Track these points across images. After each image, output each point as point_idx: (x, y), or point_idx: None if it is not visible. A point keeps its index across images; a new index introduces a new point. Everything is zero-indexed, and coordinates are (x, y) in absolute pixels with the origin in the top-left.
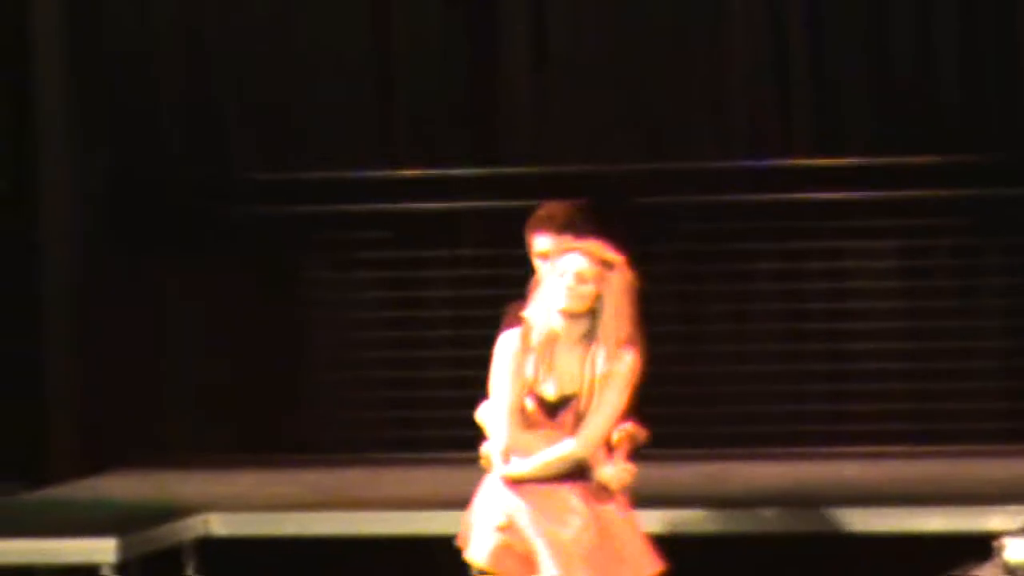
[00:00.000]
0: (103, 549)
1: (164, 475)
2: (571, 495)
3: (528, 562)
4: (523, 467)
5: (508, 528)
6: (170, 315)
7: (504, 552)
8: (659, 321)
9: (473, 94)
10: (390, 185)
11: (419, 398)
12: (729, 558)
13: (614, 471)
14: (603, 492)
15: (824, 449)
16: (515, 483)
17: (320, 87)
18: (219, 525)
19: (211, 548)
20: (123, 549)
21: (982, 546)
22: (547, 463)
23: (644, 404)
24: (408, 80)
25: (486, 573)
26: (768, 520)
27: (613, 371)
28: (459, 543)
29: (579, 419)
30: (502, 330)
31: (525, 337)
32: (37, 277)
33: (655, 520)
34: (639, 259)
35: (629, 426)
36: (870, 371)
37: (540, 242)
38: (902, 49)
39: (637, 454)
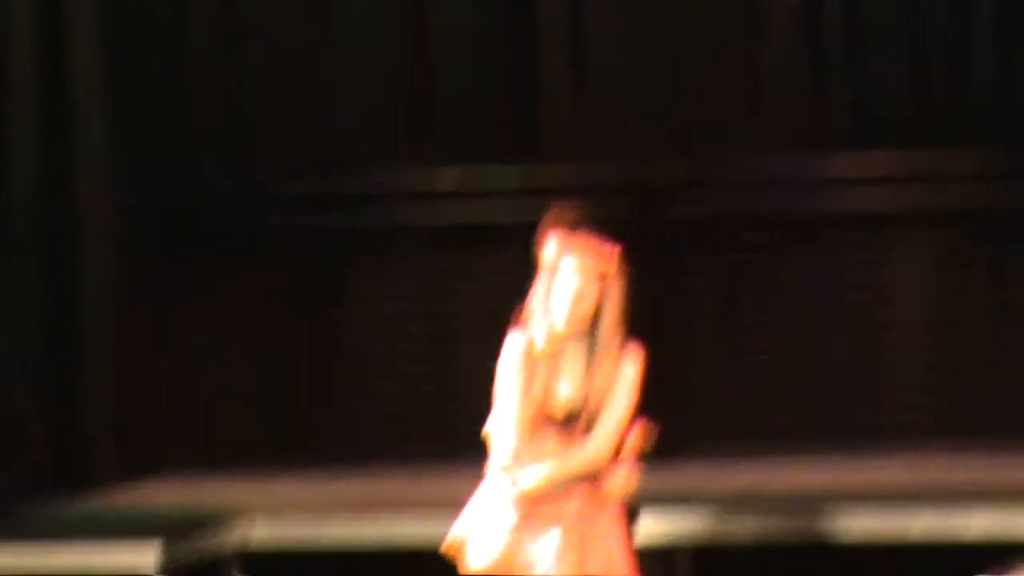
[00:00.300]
0: (145, 557)
1: (205, 481)
2: (568, 509)
3: (527, 568)
4: (535, 481)
5: (511, 540)
6: (209, 322)
7: (508, 561)
8: (695, 319)
9: (510, 98)
10: (425, 194)
11: (459, 401)
12: (772, 560)
13: (621, 479)
14: (606, 499)
15: (864, 446)
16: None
17: (354, 95)
18: (261, 530)
19: (253, 553)
20: (165, 556)
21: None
22: (559, 475)
23: (685, 406)
24: (443, 85)
25: None
26: (809, 521)
27: (618, 378)
28: (449, 551)
29: (588, 426)
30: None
31: (531, 345)
32: (73, 286)
33: (690, 521)
34: (677, 266)
35: (637, 427)
36: (908, 369)
37: (545, 252)
38: (938, 47)
39: (670, 456)
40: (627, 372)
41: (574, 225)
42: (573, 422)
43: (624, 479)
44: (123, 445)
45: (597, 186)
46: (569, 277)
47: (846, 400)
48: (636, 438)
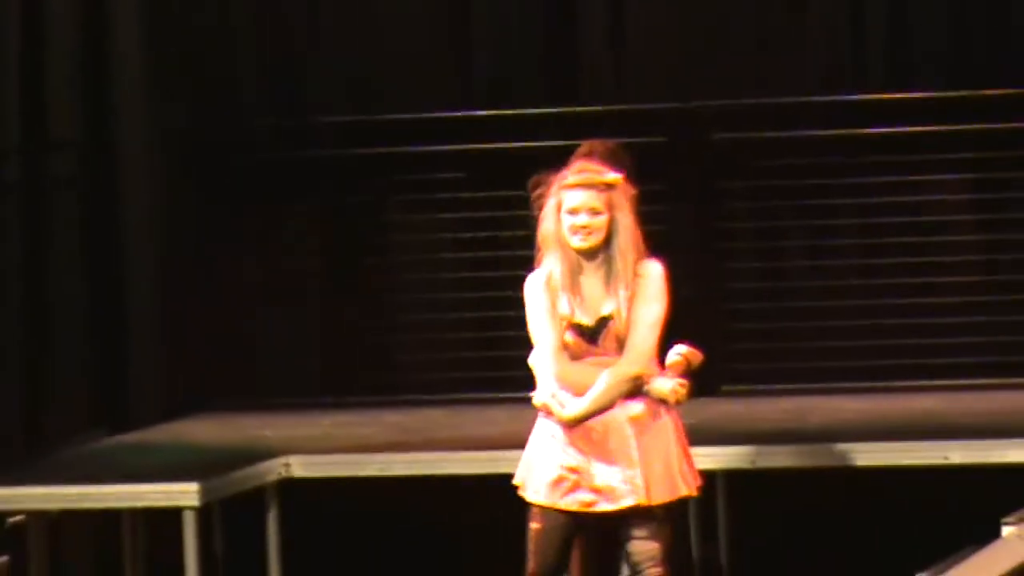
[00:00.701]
0: (185, 492)
1: (245, 418)
2: (625, 424)
3: (584, 493)
4: (583, 405)
5: (569, 468)
6: (247, 260)
7: (564, 489)
8: (736, 257)
9: (550, 34)
10: (466, 124)
11: (499, 338)
12: (810, 492)
13: (671, 384)
14: (659, 407)
15: (903, 383)
16: (573, 424)
17: (395, 30)
18: (300, 467)
19: (293, 490)
20: (205, 492)
21: None
22: (605, 391)
23: (724, 340)
24: (485, 23)
25: (547, 510)
26: (848, 454)
27: (641, 284)
28: (518, 484)
29: (620, 339)
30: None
31: (549, 277)
32: (116, 226)
33: (735, 455)
34: (715, 196)
35: (685, 349)
36: (948, 305)
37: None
38: None
39: (708, 384)
40: (650, 281)
41: (604, 157)
42: (603, 338)
43: (674, 386)
44: (165, 383)
45: (636, 114)
46: (577, 202)
47: (885, 331)
48: (682, 356)
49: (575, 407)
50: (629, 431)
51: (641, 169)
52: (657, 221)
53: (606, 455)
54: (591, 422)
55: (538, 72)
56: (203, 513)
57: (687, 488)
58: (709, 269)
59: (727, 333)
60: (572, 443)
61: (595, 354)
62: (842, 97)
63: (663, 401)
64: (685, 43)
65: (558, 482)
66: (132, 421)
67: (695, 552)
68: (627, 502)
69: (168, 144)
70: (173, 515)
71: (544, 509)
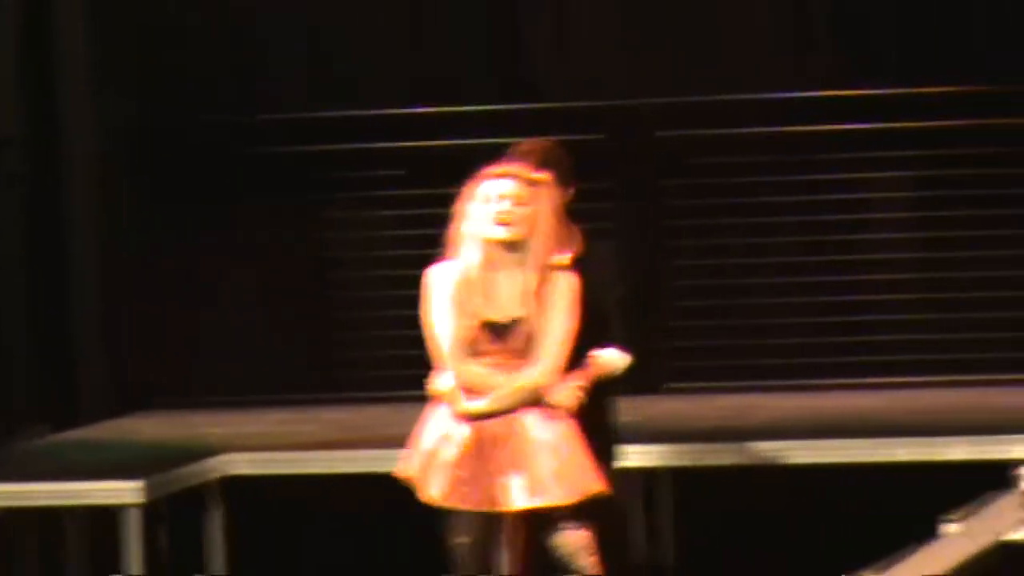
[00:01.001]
0: (129, 490)
1: (188, 416)
2: (524, 420)
3: (485, 493)
4: (485, 402)
5: (462, 463)
6: (193, 256)
7: (460, 487)
8: (679, 255)
9: (494, 32)
10: (409, 122)
11: None
12: (753, 490)
13: (566, 391)
14: (556, 413)
15: (844, 380)
16: (470, 418)
17: (341, 28)
18: (244, 465)
19: (236, 488)
20: (148, 490)
21: (1003, 474)
22: (509, 395)
23: (667, 337)
24: (430, 21)
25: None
26: (791, 452)
27: (556, 294)
28: (404, 476)
29: (530, 340)
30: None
31: (464, 271)
32: (61, 223)
33: (679, 452)
34: (658, 194)
35: (604, 356)
36: (891, 302)
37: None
38: None
39: (652, 382)
40: (565, 293)
41: (540, 157)
42: (512, 337)
43: (569, 392)
44: (108, 380)
45: (580, 111)
46: (494, 193)
47: (824, 323)
48: (601, 363)
49: (477, 403)
50: (529, 432)
51: (584, 167)
52: (601, 218)
53: (505, 457)
54: (491, 424)
55: (482, 70)
56: (147, 510)
57: (597, 485)
58: (652, 267)
59: (670, 331)
60: (471, 444)
61: (500, 353)
62: (785, 95)
63: (559, 408)
64: (629, 41)
65: (457, 484)
66: (76, 418)
67: (639, 549)
68: (533, 502)
69: (112, 142)
70: (117, 512)
71: (469, 520)
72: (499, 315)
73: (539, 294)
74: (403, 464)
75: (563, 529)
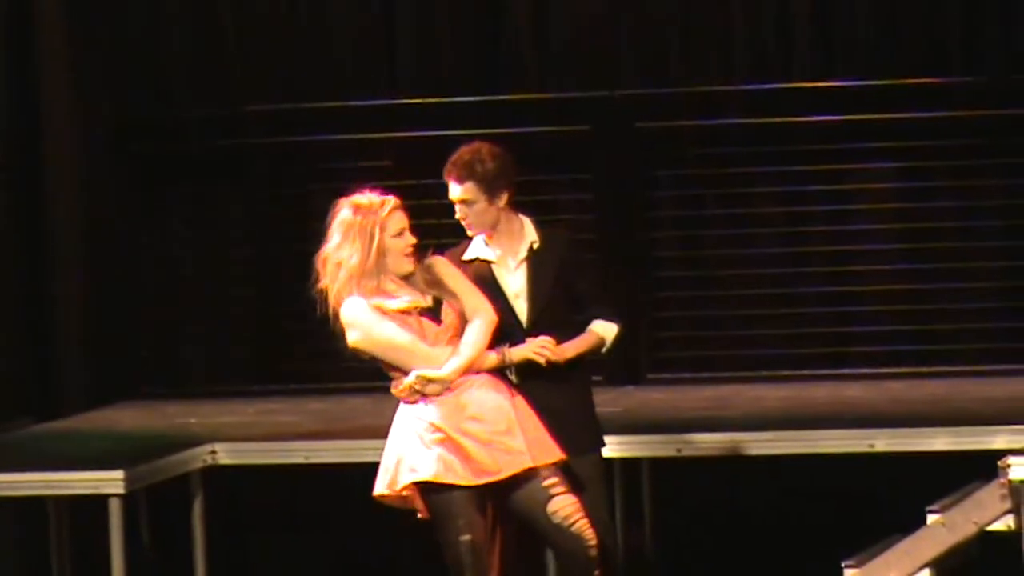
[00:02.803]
0: (111, 480)
1: (170, 406)
2: (484, 390)
3: (470, 462)
4: (458, 360)
5: (444, 440)
6: (175, 248)
7: (448, 462)
8: (661, 246)
9: (474, 23)
10: (390, 113)
11: None
12: (735, 480)
13: (526, 348)
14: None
15: (827, 371)
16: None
17: (321, 18)
18: (226, 455)
19: (218, 478)
20: (131, 480)
21: (987, 465)
22: (474, 343)
23: (648, 327)
24: (410, 12)
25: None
26: (772, 443)
27: (445, 276)
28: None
29: (458, 312)
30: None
31: (366, 293)
32: (42, 214)
33: (660, 442)
34: (639, 184)
35: (596, 323)
36: (872, 293)
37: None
38: None
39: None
40: (443, 272)
41: (464, 169)
42: (441, 313)
43: (533, 348)
44: (91, 371)
45: (560, 102)
46: (399, 230)
47: (805, 314)
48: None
49: (452, 363)
50: (494, 403)
51: (566, 157)
52: (582, 210)
53: (485, 430)
54: (463, 401)
55: (463, 61)
56: (129, 500)
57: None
58: (633, 257)
59: (651, 321)
60: (450, 428)
61: (448, 330)
62: (766, 86)
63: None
64: (609, 31)
65: (440, 460)
66: (58, 409)
67: (619, 537)
68: (516, 466)
69: (94, 132)
70: (99, 503)
71: (469, 519)
72: (424, 299)
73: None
74: (381, 484)
75: (555, 495)
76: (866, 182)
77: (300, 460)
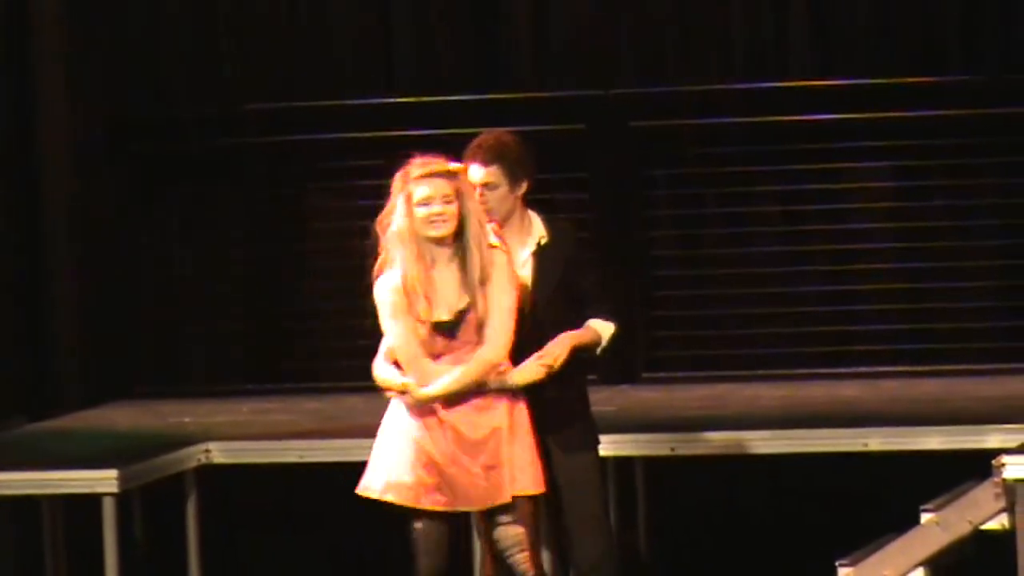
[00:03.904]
0: (105, 479)
1: (164, 405)
2: (483, 425)
3: (448, 491)
4: (442, 384)
5: (426, 463)
6: (172, 247)
7: (424, 488)
8: (657, 245)
9: (471, 21)
10: (386, 111)
11: None
12: (730, 480)
13: (526, 370)
14: (513, 408)
15: (824, 370)
16: (425, 412)
17: (318, 17)
18: (220, 454)
19: (212, 477)
20: (124, 479)
21: (981, 464)
22: (464, 374)
23: (644, 327)
24: (407, 11)
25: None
26: (766, 442)
27: (493, 274)
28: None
29: (479, 328)
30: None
31: (404, 278)
32: (37, 212)
33: (655, 442)
34: (636, 183)
35: (592, 322)
36: (868, 292)
37: (473, 172)
38: None
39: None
40: (502, 270)
41: (490, 151)
42: (462, 331)
43: (529, 370)
44: (85, 369)
45: (556, 101)
46: (429, 191)
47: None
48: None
49: (434, 386)
50: (487, 431)
51: (562, 156)
52: (578, 209)
53: (466, 455)
54: (453, 423)
55: (459, 59)
56: (123, 500)
57: (535, 487)
58: (630, 256)
59: (647, 320)
60: (431, 445)
61: (454, 349)
62: (763, 84)
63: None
64: (606, 30)
65: (419, 484)
66: (52, 408)
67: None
68: (488, 502)
69: (90, 131)
70: (93, 502)
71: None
72: (445, 313)
73: (483, 278)
74: (367, 482)
75: (502, 524)
76: (863, 181)
77: (294, 459)
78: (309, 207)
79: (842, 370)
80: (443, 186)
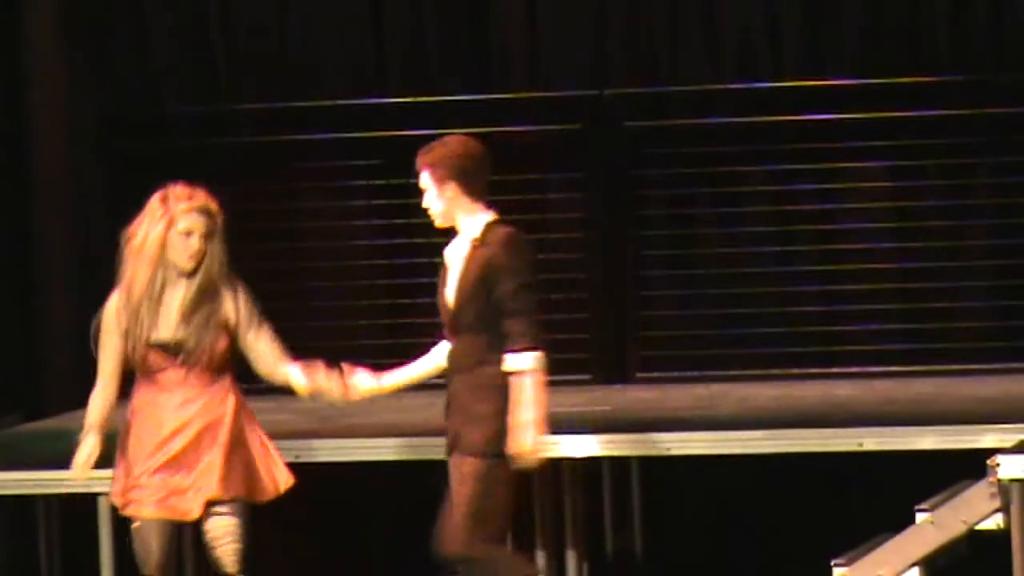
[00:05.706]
0: (100, 479)
1: None
2: (200, 428)
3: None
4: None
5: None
6: None
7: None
8: (649, 245)
9: (463, 21)
10: (379, 111)
11: (413, 325)
12: (724, 480)
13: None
14: (239, 414)
15: (817, 370)
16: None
17: (309, 16)
18: None
19: None
20: None
21: (976, 464)
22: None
23: (637, 326)
24: (399, 10)
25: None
26: (760, 442)
27: (248, 305)
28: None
29: (204, 360)
30: None
31: (128, 295)
32: (30, 213)
33: (648, 442)
34: (628, 183)
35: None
36: (862, 292)
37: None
38: None
39: (622, 371)
40: (252, 302)
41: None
42: (183, 356)
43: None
44: (80, 369)
45: (549, 101)
46: (192, 224)
47: (795, 313)
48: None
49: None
50: (205, 433)
51: (555, 157)
52: (570, 208)
53: (184, 459)
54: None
55: (452, 59)
56: None
57: (262, 493)
58: (622, 256)
59: (640, 320)
60: (154, 453)
61: (176, 367)
62: (755, 85)
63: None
64: (599, 30)
65: (152, 493)
66: (47, 408)
67: (609, 538)
68: (201, 498)
69: (83, 130)
70: (88, 501)
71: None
72: (167, 335)
73: (214, 313)
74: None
75: (215, 515)
76: (856, 180)
77: (290, 459)
78: (301, 207)
79: (836, 370)
80: (205, 223)
